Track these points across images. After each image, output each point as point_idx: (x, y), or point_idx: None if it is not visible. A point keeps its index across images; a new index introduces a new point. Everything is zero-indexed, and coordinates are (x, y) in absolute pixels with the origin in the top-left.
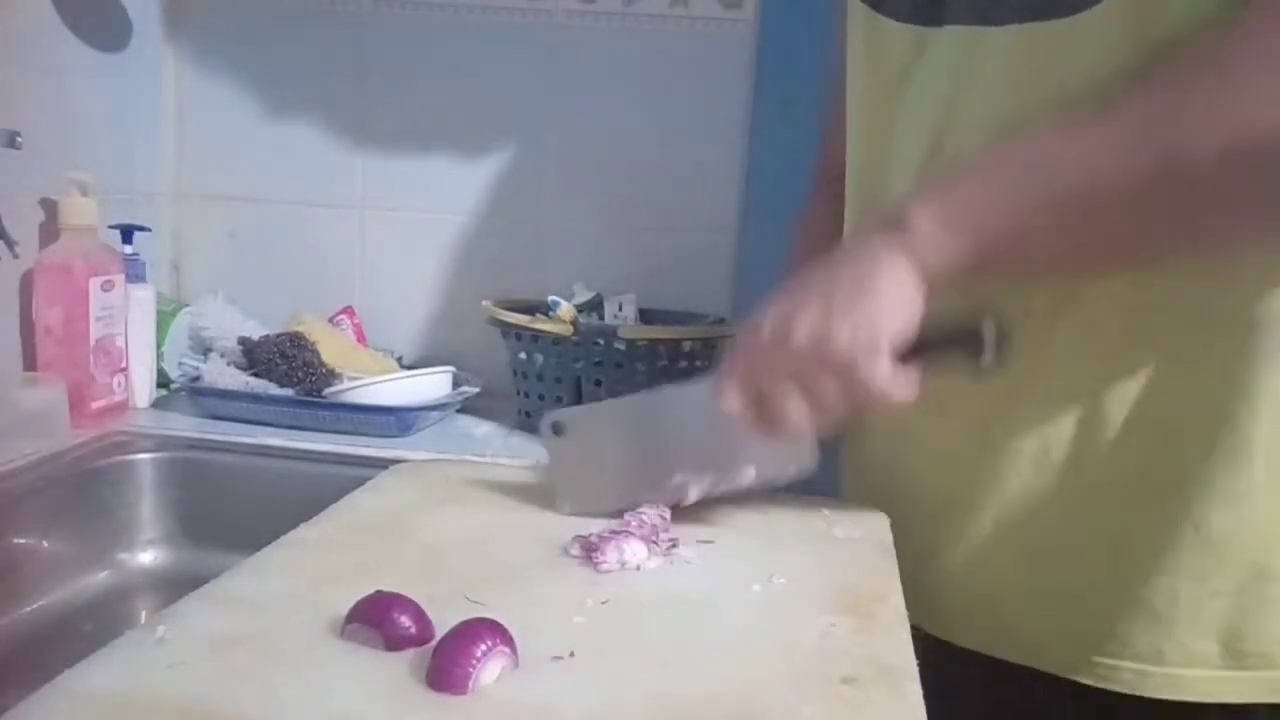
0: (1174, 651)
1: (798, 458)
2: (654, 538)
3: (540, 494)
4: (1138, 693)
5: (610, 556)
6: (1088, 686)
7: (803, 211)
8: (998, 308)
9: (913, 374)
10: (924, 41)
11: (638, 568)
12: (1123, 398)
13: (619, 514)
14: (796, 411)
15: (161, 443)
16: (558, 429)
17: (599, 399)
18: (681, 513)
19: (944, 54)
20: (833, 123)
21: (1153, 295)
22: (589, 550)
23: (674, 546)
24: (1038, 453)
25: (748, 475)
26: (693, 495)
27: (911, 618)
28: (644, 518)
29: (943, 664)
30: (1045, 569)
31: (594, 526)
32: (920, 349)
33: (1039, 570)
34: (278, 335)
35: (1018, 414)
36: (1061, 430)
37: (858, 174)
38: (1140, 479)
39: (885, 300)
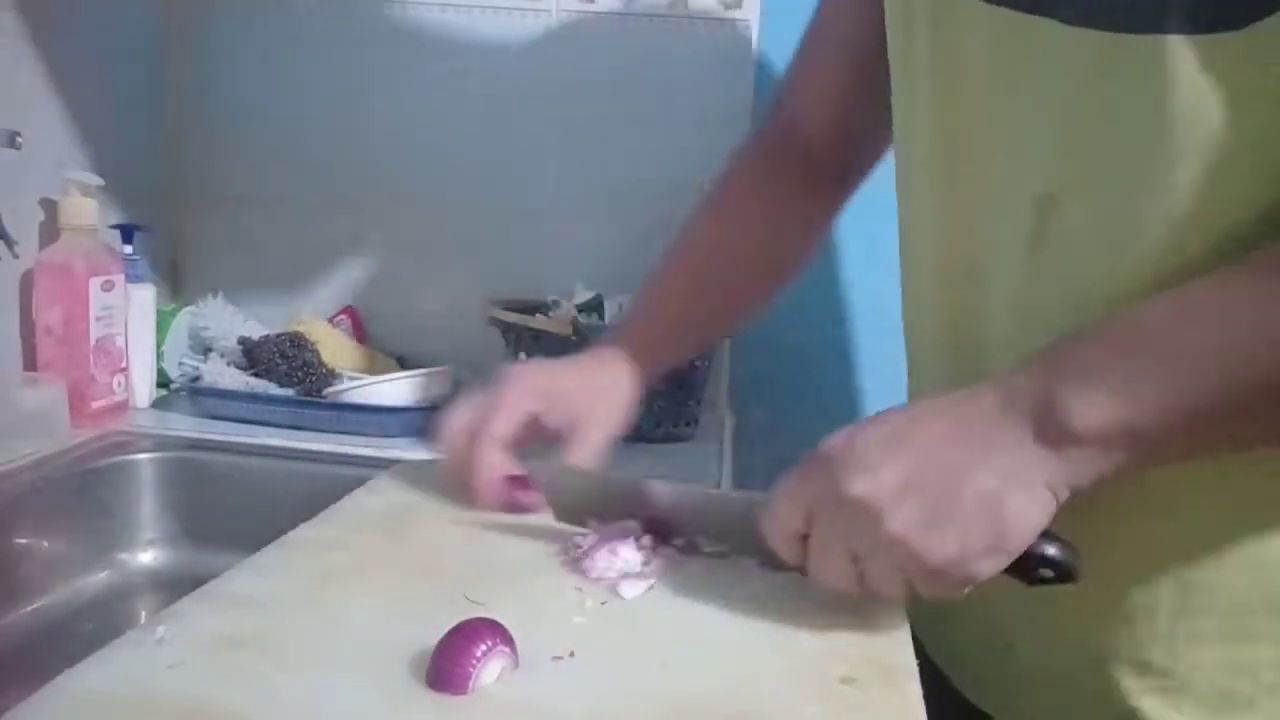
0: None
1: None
2: (648, 544)
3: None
4: None
5: (600, 564)
6: None
7: (732, 179)
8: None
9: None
10: (1021, 32)
11: (626, 576)
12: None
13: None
14: (843, 580)
15: (161, 443)
16: (533, 473)
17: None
18: None
19: (1054, 58)
20: (797, 77)
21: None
22: (579, 559)
23: (659, 557)
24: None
25: (752, 561)
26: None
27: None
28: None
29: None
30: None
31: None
32: None
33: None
34: (278, 335)
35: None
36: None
37: (928, 190)
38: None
39: (1008, 534)
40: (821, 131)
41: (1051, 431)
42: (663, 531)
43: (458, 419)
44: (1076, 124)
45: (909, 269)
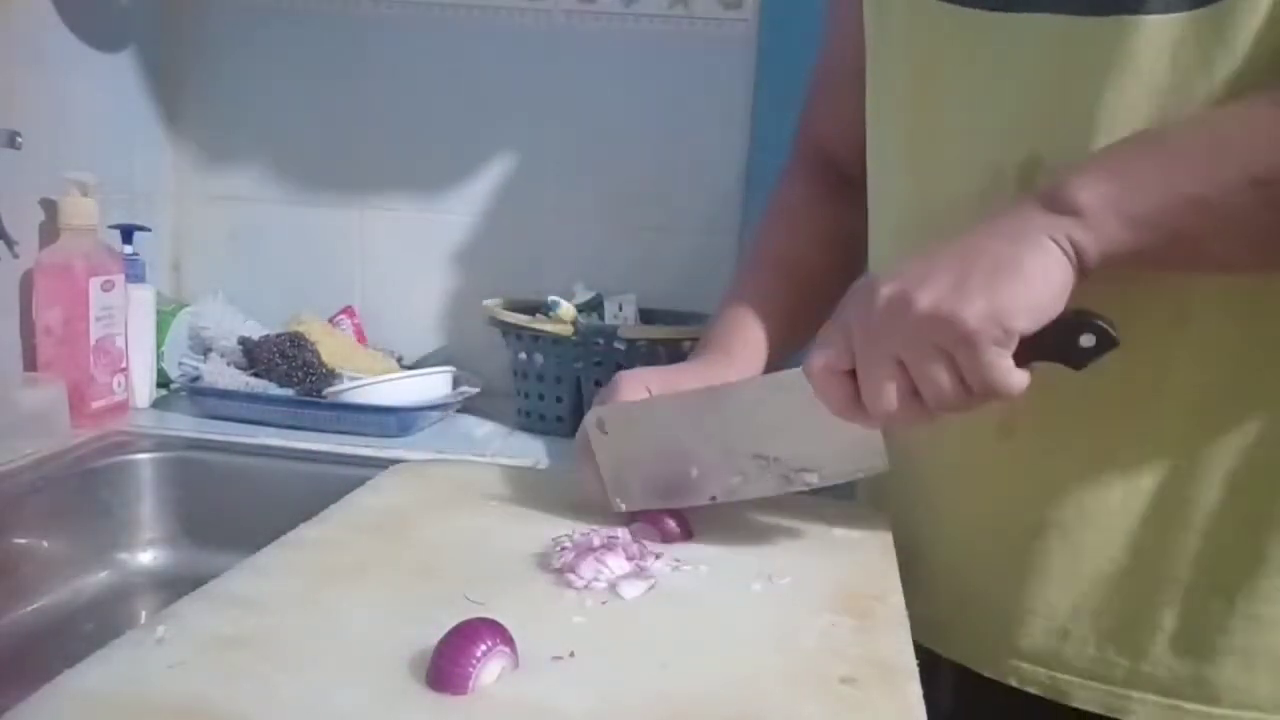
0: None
1: (868, 458)
2: (633, 553)
3: (539, 494)
4: None
5: (587, 574)
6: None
7: (778, 199)
8: (1091, 313)
9: (1024, 367)
10: (988, 29)
11: (614, 585)
12: (1190, 427)
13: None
14: (895, 394)
15: (161, 443)
16: (601, 425)
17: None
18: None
19: (1021, 47)
20: (819, 105)
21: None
22: (562, 570)
23: (658, 558)
24: (1105, 478)
25: (810, 479)
26: (742, 495)
27: (961, 657)
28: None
29: (966, 695)
30: (1105, 597)
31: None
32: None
33: (1094, 594)
34: (278, 335)
35: (1085, 439)
36: (1134, 457)
37: (896, 183)
38: (1256, 516)
39: (1031, 285)
40: (850, 154)
41: (1055, 205)
42: (721, 474)
43: (583, 431)
44: (1048, 100)
45: (882, 251)
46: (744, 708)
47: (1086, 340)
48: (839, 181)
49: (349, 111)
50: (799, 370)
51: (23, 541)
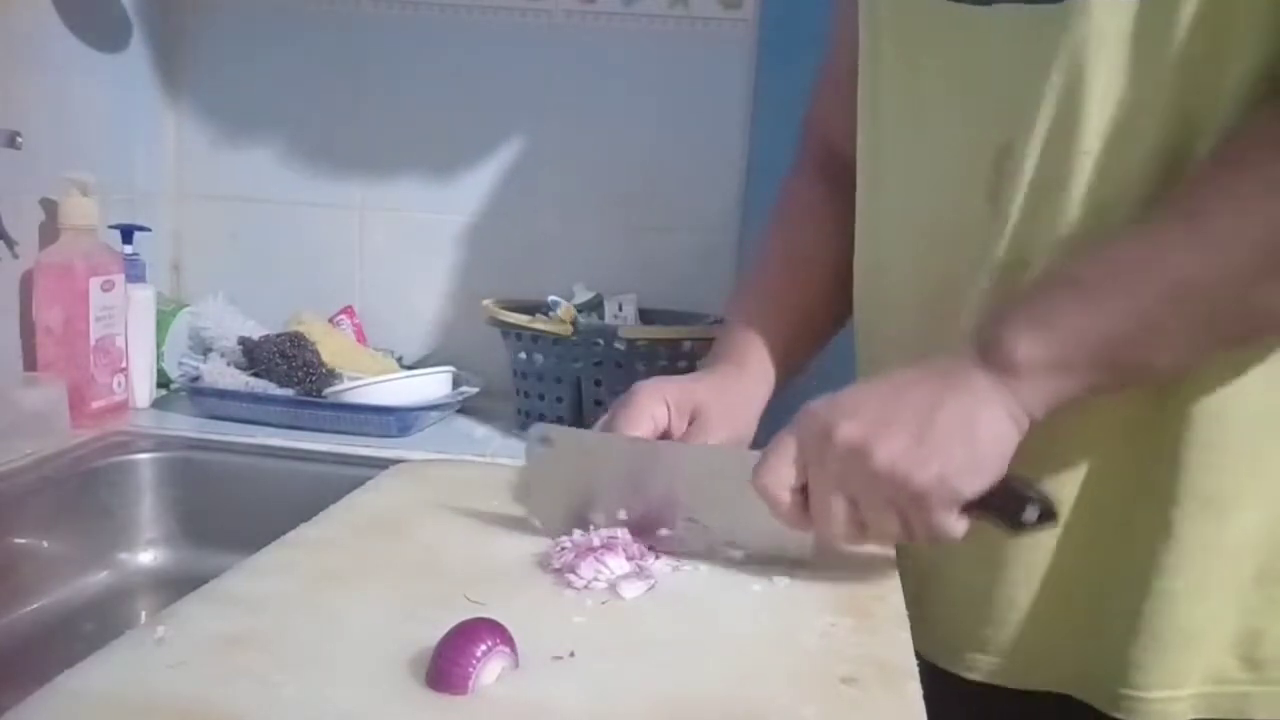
0: (1200, 671)
1: (798, 549)
2: (633, 553)
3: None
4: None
5: (587, 574)
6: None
7: (788, 194)
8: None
9: (964, 519)
10: (969, 22)
11: (614, 585)
12: (1121, 417)
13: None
14: (845, 527)
15: (161, 443)
16: (546, 440)
17: (599, 399)
18: None
19: (996, 36)
20: (826, 101)
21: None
22: (562, 570)
23: (658, 558)
24: (1065, 472)
25: (735, 554)
26: (664, 549)
27: (928, 652)
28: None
29: (944, 694)
30: (1051, 593)
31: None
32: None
33: (1047, 594)
34: (278, 335)
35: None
36: (1063, 452)
37: (888, 173)
38: (1142, 495)
39: (983, 452)
40: (850, 151)
41: (996, 366)
42: (650, 527)
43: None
44: (1017, 88)
45: (870, 238)
46: (744, 708)
47: (1030, 514)
48: (845, 177)
49: (349, 112)
50: (751, 454)
51: (23, 541)
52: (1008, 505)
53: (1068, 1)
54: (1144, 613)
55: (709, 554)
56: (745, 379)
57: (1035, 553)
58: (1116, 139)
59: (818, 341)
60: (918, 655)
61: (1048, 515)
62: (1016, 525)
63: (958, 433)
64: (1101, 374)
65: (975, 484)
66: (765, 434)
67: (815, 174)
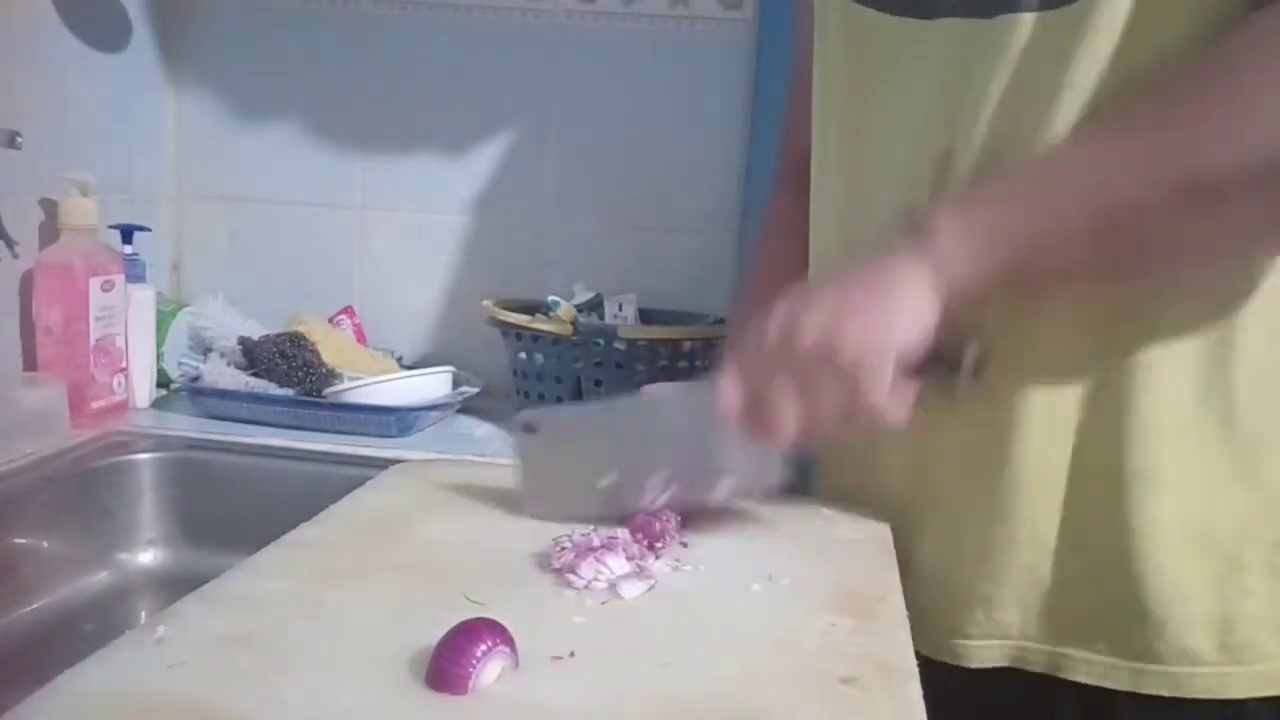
0: (1167, 649)
1: (773, 471)
2: (633, 553)
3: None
4: (1137, 690)
5: (587, 574)
6: (1083, 685)
7: (771, 208)
8: (979, 328)
9: (907, 393)
10: (913, 35)
11: (614, 585)
12: (1091, 399)
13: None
14: (791, 415)
15: (161, 443)
16: (530, 427)
17: (599, 399)
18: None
19: (937, 49)
20: (796, 113)
21: (1119, 306)
22: (562, 570)
23: (658, 558)
24: (1010, 454)
25: (724, 486)
26: (661, 501)
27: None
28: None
29: (931, 665)
30: (1028, 569)
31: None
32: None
33: (1022, 570)
34: (278, 335)
35: (986, 415)
36: (1031, 431)
37: (834, 181)
38: (1113, 477)
39: (901, 306)
40: None
41: (913, 236)
42: (651, 533)
43: None
44: (957, 98)
45: (820, 237)
46: (744, 708)
47: (969, 357)
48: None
49: (349, 111)
50: (709, 381)
51: (23, 541)
52: (945, 363)
53: (1002, 16)
54: (1107, 587)
55: (702, 491)
56: None
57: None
58: (1054, 140)
59: None
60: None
61: (985, 359)
62: (959, 377)
63: (873, 293)
64: (1008, 258)
65: (899, 336)
66: None
67: (793, 187)
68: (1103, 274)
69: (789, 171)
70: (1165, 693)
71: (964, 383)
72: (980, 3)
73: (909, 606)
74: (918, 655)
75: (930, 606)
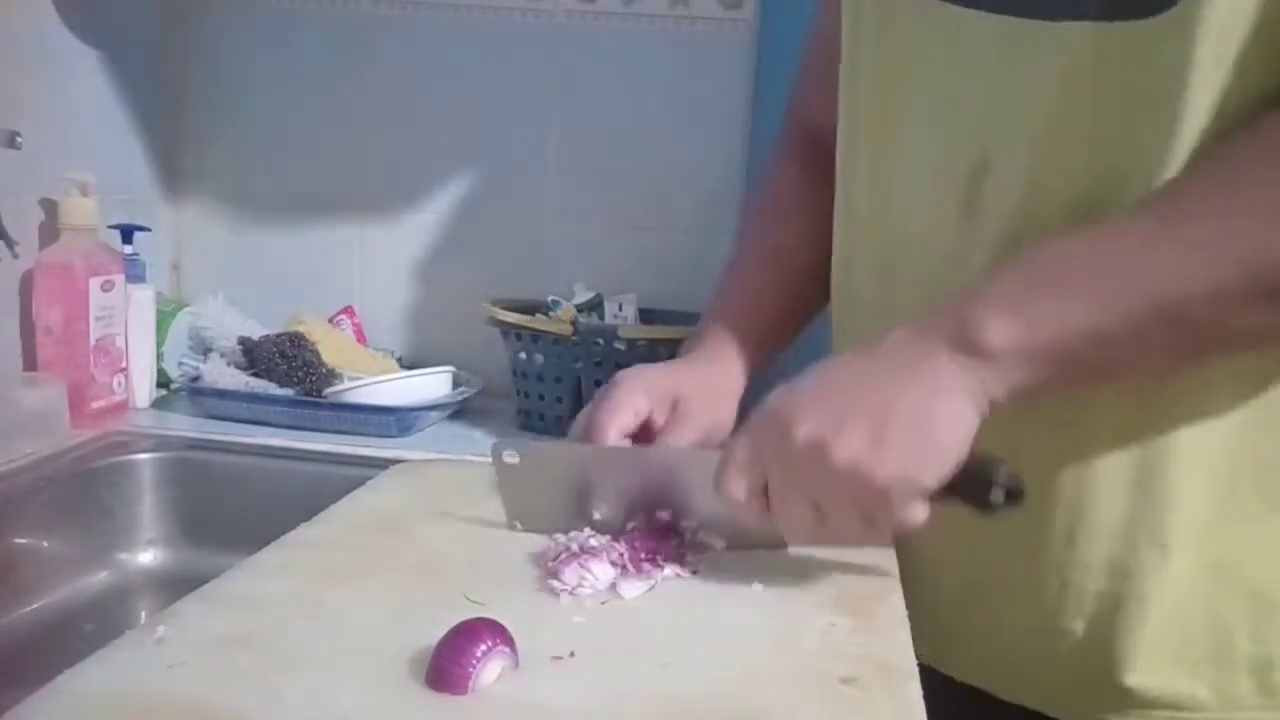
0: (1209, 695)
1: (769, 540)
2: (622, 561)
3: None
4: None
5: (569, 578)
6: None
7: (776, 183)
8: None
9: (931, 512)
10: (953, 24)
11: (615, 585)
12: (1114, 435)
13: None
14: (808, 527)
15: (161, 443)
16: (509, 459)
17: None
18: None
19: (979, 44)
20: (809, 84)
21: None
22: (548, 576)
23: (656, 566)
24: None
25: (717, 544)
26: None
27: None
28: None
29: (948, 703)
30: (1048, 611)
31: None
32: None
33: (1042, 612)
34: (278, 335)
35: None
36: (1055, 467)
37: (861, 179)
38: (1138, 518)
39: (943, 441)
40: (832, 134)
41: (964, 348)
42: (648, 547)
43: (576, 426)
44: (998, 101)
45: (844, 235)
46: (744, 707)
47: (996, 495)
48: (823, 161)
49: (349, 111)
50: (711, 455)
51: (23, 541)
52: (974, 488)
53: (1061, 21)
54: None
55: (691, 544)
56: (726, 367)
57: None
58: (1097, 170)
59: (796, 331)
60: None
61: (1015, 495)
62: (985, 507)
63: (916, 424)
64: (1068, 368)
65: (935, 474)
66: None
67: (795, 160)
68: (1156, 370)
69: (792, 145)
70: None
71: (994, 503)
72: (1035, 3)
73: (937, 628)
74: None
75: (963, 637)
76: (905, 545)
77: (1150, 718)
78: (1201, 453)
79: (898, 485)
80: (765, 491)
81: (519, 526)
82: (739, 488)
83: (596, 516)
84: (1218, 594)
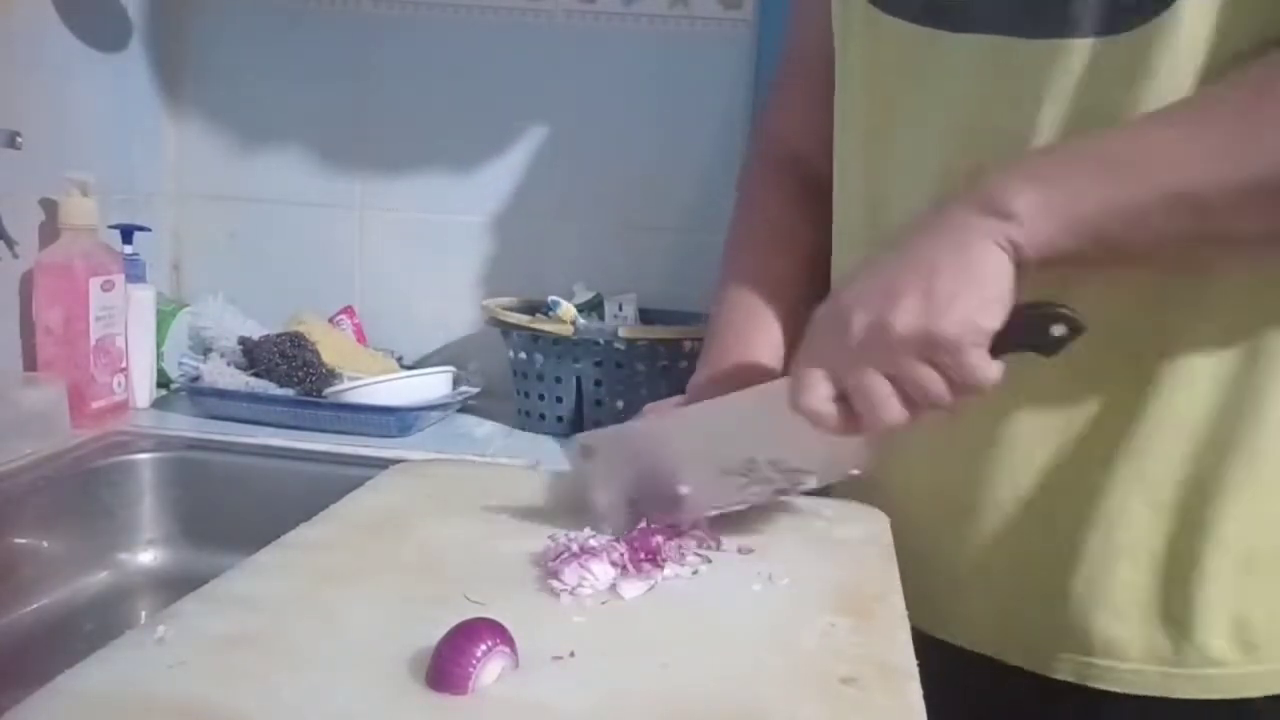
0: (1191, 651)
1: (856, 458)
2: (622, 561)
3: (539, 494)
4: (1166, 694)
5: (569, 580)
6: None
7: (757, 203)
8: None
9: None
10: (942, 47)
11: (614, 585)
12: (1112, 396)
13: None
14: (893, 405)
15: (161, 443)
16: (587, 451)
17: (599, 399)
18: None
19: (970, 64)
20: (786, 99)
21: (1156, 309)
22: (550, 575)
23: (656, 566)
24: (1030, 452)
25: (809, 481)
26: (738, 505)
27: (911, 618)
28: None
29: (943, 664)
30: (1043, 571)
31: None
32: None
33: (1038, 572)
34: (278, 335)
35: (1012, 414)
36: (1053, 429)
37: (858, 181)
38: (1134, 479)
39: (986, 283)
40: (816, 147)
41: (989, 211)
42: (715, 494)
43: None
44: (990, 116)
45: (842, 246)
46: (744, 708)
47: (1058, 330)
48: (813, 184)
49: (349, 111)
50: (779, 384)
51: (23, 541)
52: (1034, 330)
53: (1050, 40)
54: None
55: (781, 492)
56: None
57: (1001, 519)
58: None
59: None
60: (915, 628)
61: (1076, 328)
62: (1048, 346)
63: (959, 275)
64: (1088, 241)
65: (991, 316)
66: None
67: (777, 186)
68: (1177, 254)
69: (767, 163)
70: (1193, 695)
71: (1061, 340)
72: (1026, 22)
73: (934, 595)
74: (935, 641)
75: (961, 600)
76: (901, 522)
77: (1118, 670)
78: (1186, 416)
79: (963, 333)
80: (843, 399)
81: (609, 531)
82: (816, 398)
83: (684, 490)
84: (1203, 549)
